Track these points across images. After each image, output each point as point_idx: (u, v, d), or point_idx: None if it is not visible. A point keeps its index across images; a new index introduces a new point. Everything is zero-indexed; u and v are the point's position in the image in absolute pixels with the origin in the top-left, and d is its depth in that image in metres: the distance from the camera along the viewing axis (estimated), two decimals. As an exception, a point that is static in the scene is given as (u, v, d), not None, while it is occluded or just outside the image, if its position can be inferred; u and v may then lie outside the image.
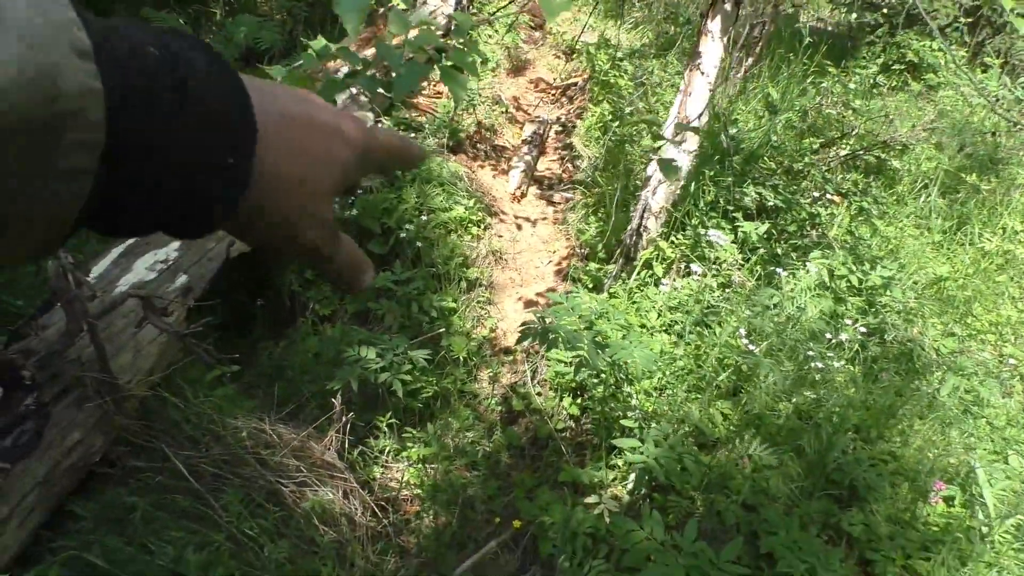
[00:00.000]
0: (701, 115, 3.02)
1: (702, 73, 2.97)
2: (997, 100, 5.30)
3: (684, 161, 3.13)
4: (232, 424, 2.53)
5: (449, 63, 1.20)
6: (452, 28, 1.29)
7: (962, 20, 6.14)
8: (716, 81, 3.03)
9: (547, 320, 2.38)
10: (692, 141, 3.12)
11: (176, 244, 2.78)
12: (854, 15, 6.43)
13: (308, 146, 0.45)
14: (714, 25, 2.93)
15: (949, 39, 6.09)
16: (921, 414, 3.01)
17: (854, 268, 3.18)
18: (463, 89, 1.22)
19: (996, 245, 4.16)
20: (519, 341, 2.40)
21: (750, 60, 4.72)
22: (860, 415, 2.87)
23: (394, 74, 1.17)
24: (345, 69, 1.49)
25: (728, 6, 2.85)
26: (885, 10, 6.27)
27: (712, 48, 2.95)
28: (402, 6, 4.13)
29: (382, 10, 4.90)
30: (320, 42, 1.53)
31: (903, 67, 6.01)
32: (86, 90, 0.32)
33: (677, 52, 5.47)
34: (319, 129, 0.46)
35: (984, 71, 6.00)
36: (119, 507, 2.28)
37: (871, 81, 5.48)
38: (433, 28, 1.19)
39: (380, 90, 1.28)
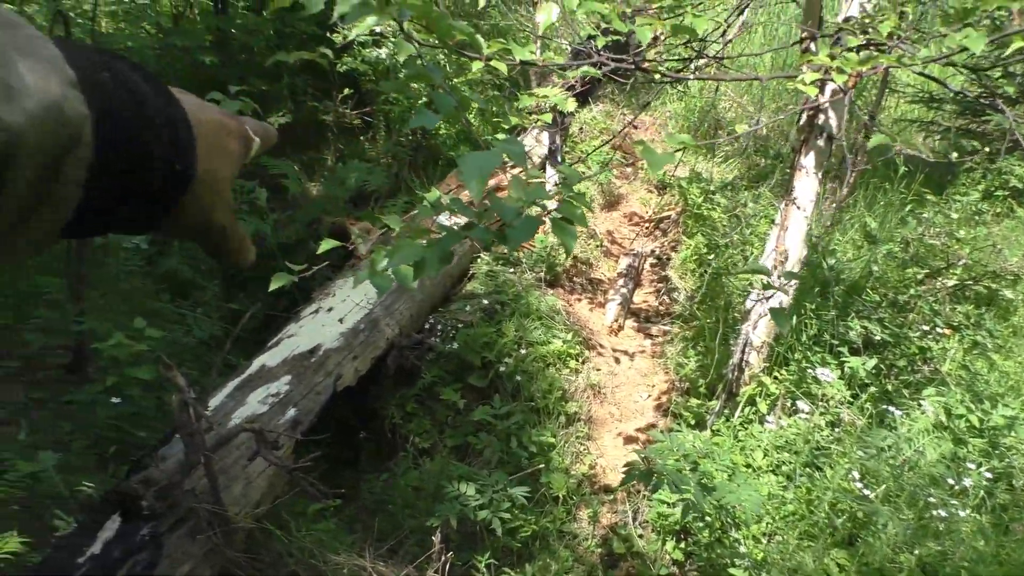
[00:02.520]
0: (799, 249, 3.01)
1: (798, 207, 2.98)
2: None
3: (784, 295, 3.10)
4: (334, 560, 2.54)
5: (559, 215, 1.26)
6: (559, 180, 1.37)
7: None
8: (812, 214, 3.03)
9: (651, 460, 2.33)
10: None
11: (287, 379, 2.90)
12: (950, 143, 6.37)
13: (220, 144, 0.54)
14: (808, 160, 2.96)
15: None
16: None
17: (973, 407, 3.01)
18: (573, 239, 1.27)
19: None
20: (623, 483, 2.35)
21: (844, 190, 4.71)
22: (992, 571, 2.64)
23: (506, 227, 1.23)
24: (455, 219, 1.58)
25: (821, 142, 2.89)
26: (983, 136, 6.19)
27: (807, 183, 2.97)
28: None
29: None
30: (434, 194, 1.63)
31: (1007, 193, 5.85)
32: (82, 116, 0.38)
33: (769, 184, 5.52)
34: (220, 129, 0.55)
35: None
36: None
37: (973, 208, 5.35)
38: (535, 178, 1.25)
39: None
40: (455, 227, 1.36)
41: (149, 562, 2.18)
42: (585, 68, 1.91)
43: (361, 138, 5.24)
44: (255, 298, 3.96)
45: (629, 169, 5.83)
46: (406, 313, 3.62)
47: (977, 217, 5.29)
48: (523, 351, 3.69)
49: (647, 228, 5.23)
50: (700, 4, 1.89)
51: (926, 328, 3.46)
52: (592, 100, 6.73)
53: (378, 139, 5.24)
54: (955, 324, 3.57)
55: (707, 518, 2.68)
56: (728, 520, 2.66)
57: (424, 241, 1.31)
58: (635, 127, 6.69)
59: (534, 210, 1.32)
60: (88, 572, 2.11)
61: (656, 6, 1.86)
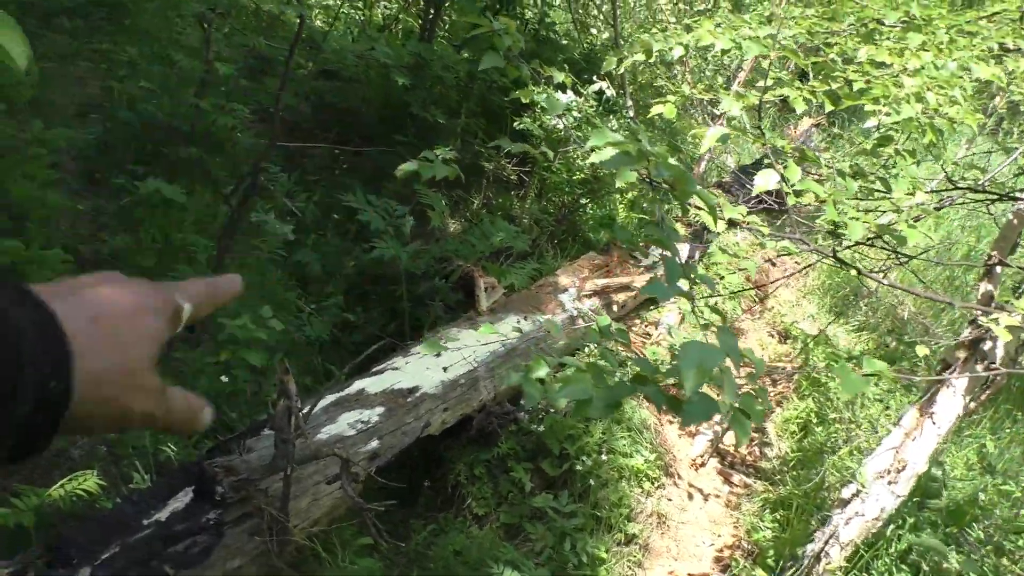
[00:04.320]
0: (921, 464, 2.87)
1: (934, 423, 2.85)
2: None
3: (889, 502, 2.96)
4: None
5: (738, 406, 1.24)
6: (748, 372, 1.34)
7: None
8: (947, 435, 2.89)
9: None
10: (904, 485, 2.95)
11: (381, 410, 2.94)
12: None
13: (119, 336, 0.50)
14: (959, 382, 2.84)
15: None
16: None
17: None
18: (746, 435, 1.25)
19: None
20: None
21: (972, 404, 4.48)
22: None
23: (685, 403, 1.22)
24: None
25: (980, 367, 2.76)
26: None
27: (951, 403, 2.84)
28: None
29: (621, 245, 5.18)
30: (605, 319, 1.64)
31: None
32: None
33: (895, 368, 5.30)
34: (127, 314, 0.51)
35: None
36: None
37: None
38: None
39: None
40: (625, 379, 1.36)
41: (207, 547, 2.23)
42: (785, 244, 1.90)
43: (512, 193, 5.36)
44: (370, 316, 4.06)
45: (757, 307, 5.73)
46: (505, 380, 3.64)
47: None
48: (603, 456, 3.64)
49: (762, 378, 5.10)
50: (912, 208, 1.85)
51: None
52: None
53: (527, 199, 5.34)
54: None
55: None
56: None
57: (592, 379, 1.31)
58: (773, 264, 6.60)
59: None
60: (149, 536, 2.17)
61: (871, 207, 1.84)
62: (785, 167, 1.78)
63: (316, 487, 2.61)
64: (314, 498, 2.60)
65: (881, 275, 2.15)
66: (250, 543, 2.34)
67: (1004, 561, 3.46)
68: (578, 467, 3.56)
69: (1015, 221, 2.83)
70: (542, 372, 1.56)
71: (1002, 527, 3.61)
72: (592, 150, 1.44)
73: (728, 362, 1.16)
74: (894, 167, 1.96)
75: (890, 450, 3.15)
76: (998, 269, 2.76)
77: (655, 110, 2.29)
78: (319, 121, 4.97)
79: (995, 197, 2.37)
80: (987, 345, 2.71)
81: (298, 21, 3.21)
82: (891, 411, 4.84)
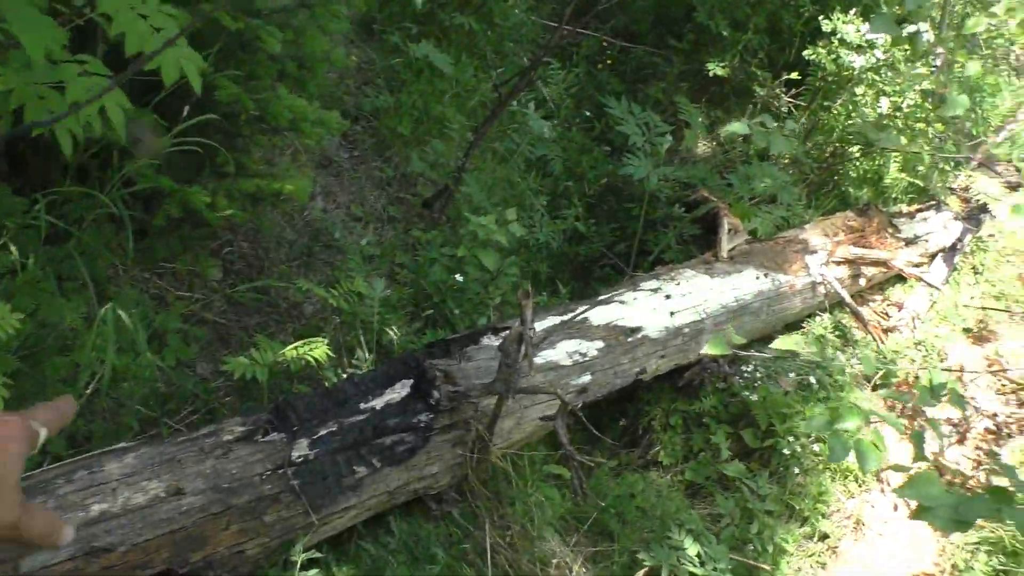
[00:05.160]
0: None
1: None
2: None
3: None
4: (540, 548, 2.47)
5: None
6: None
7: None
8: None
9: None
10: None
11: (600, 345, 2.80)
12: None
13: None
14: None
15: None
16: None
17: None
18: None
19: None
20: None
21: None
22: None
23: None
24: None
25: None
26: None
27: None
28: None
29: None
30: (936, 374, 1.35)
31: None
32: None
33: None
34: None
35: None
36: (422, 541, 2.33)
37: None
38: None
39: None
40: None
41: (411, 447, 2.23)
42: None
43: (784, 122, 4.84)
44: (601, 231, 3.87)
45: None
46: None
47: None
48: (814, 445, 3.34)
49: (1012, 385, 4.48)
50: None
51: None
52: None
53: (796, 126, 4.79)
54: None
55: None
56: None
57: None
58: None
59: None
60: (363, 422, 2.18)
61: None
62: None
63: (524, 410, 2.54)
64: (518, 421, 2.54)
65: None
66: (450, 453, 2.33)
67: None
68: (783, 448, 3.29)
69: None
70: (851, 424, 1.31)
71: None
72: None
73: None
74: None
75: None
76: None
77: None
78: (593, 6, 4.67)
79: None
80: None
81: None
82: None
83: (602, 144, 4.42)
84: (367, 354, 2.56)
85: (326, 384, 2.40)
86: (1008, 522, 1.04)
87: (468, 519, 2.46)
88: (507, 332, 2.28)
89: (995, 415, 4.34)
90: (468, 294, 2.88)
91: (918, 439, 1.24)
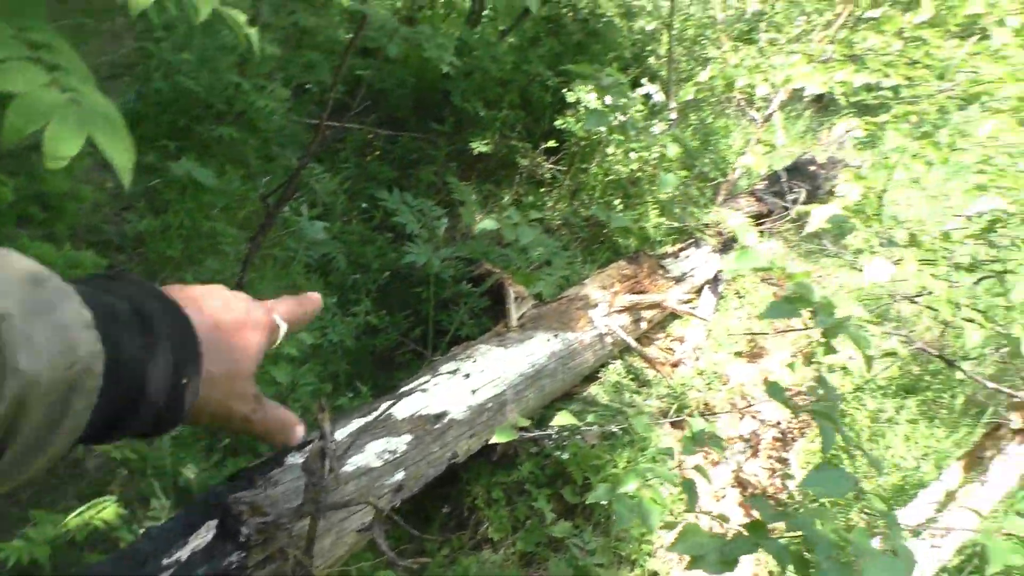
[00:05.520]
0: (968, 534, 2.75)
1: (983, 488, 2.73)
2: None
3: (930, 567, 2.85)
4: (387, 651, 2.41)
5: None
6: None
7: None
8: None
9: None
10: (947, 550, 2.84)
11: (408, 439, 2.80)
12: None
13: (232, 344, 0.58)
14: (1018, 451, 2.71)
15: None
16: None
17: None
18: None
19: None
20: None
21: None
22: None
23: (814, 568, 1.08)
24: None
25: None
26: None
27: (1006, 475, 2.72)
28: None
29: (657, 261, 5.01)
30: (696, 425, 1.49)
31: None
32: (94, 352, 0.44)
33: (917, 399, 5.20)
34: (238, 327, 0.59)
35: None
36: None
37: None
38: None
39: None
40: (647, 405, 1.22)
41: (227, 594, 2.10)
42: (894, 347, 1.74)
43: (543, 191, 5.16)
44: (394, 319, 3.90)
45: (782, 323, 5.58)
46: (533, 402, 3.51)
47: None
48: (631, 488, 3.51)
49: (790, 391, 4.97)
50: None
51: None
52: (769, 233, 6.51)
53: (559, 199, 5.15)
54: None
55: None
56: None
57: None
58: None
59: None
60: (168, 578, 2.04)
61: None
62: (898, 257, 1.62)
63: (341, 523, 2.48)
64: (337, 536, 2.47)
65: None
66: (271, 587, 2.21)
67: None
68: (604, 500, 3.43)
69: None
70: (632, 487, 1.41)
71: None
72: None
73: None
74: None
75: (929, 504, 3.04)
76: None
77: (742, 160, 2.11)
78: (354, 102, 4.77)
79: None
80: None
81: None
82: (914, 443, 4.73)
83: (384, 231, 4.48)
84: (164, 501, 2.40)
85: (121, 546, 2.21)
86: (768, 553, 1.16)
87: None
88: (310, 448, 2.23)
89: (778, 423, 4.80)
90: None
91: (689, 489, 1.37)
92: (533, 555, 3.37)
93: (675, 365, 4.65)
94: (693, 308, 4.84)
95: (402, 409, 2.92)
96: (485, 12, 5.23)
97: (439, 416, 2.99)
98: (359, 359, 3.63)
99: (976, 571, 3.38)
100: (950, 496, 2.97)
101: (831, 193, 7.35)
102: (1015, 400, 2.95)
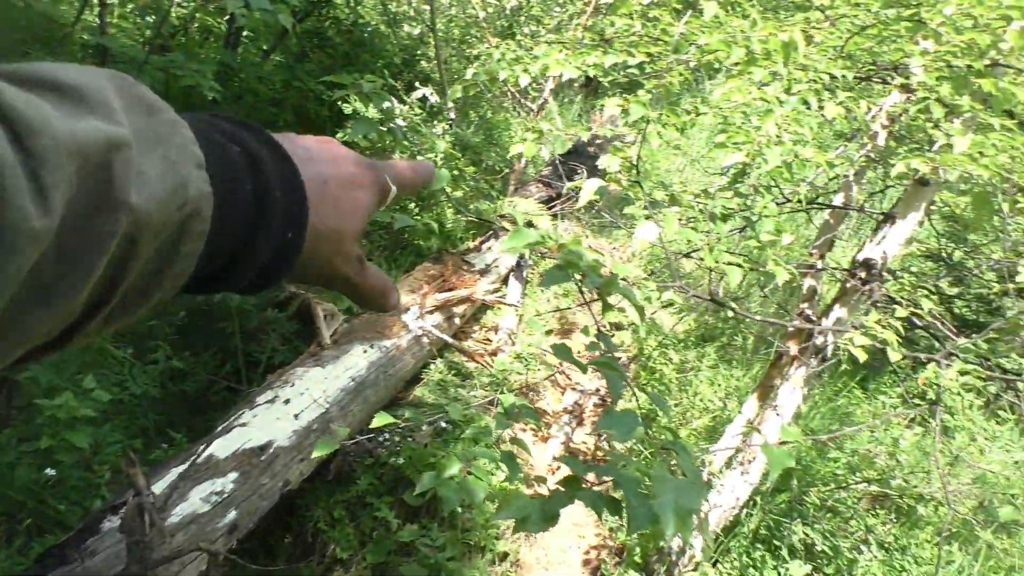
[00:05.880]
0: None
1: (778, 415, 3.06)
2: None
3: (743, 491, 3.15)
4: None
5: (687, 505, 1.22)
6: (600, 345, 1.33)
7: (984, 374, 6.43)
8: (790, 422, 3.11)
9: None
10: (756, 474, 3.15)
11: (234, 476, 2.71)
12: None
13: (340, 201, 0.54)
14: (797, 374, 3.05)
15: (972, 390, 6.35)
16: None
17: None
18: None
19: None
20: None
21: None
22: None
23: (628, 506, 1.19)
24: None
25: (815, 362, 2.99)
26: (910, 344, 6.58)
27: (792, 396, 3.05)
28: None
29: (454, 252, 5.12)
30: (508, 398, 1.57)
31: (921, 403, 6.21)
32: (204, 194, 0.41)
33: (715, 345, 5.69)
34: (348, 184, 0.56)
35: (1000, 423, 6.21)
36: None
37: (893, 409, 5.65)
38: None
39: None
40: (560, 489, 1.31)
41: None
42: (671, 295, 1.92)
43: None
44: (201, 359, 3.72)
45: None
46: (359, 415, 3.49)
47: (894, 420, 5.58)
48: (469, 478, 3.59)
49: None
50: (776, 244, 1.95)
51: (861, 548, 3.57)
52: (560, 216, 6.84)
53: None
54: (885, 544, 3.70)
55: None
56: None
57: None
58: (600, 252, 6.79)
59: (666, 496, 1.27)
60: None
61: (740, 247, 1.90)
62: (663, 217, 1.79)
63: (174, 578, 2.35)
64: (174, 591, 2.34)
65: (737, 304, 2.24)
66: (107, 662, 2.07)
67: (838, 520, 3.82)
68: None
69: (831, 221, 3.07)
70: (454, 470, 1.47)
71: (821, 477, 3.99)
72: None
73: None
74: (759, 198, 2.05)
75: (735, 436, 3.36)
76: (819, 266, 2.99)
77: (514, 150, 2.24)
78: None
79: (821, 206, 2.54)
80: (819, 340, 2.93)
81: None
82: (718, 386, 5.18)
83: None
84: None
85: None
86: (583, 503, 1.26)
87: None
88: (124, 508, 2.11)
89: (598, 390, 5.07)
90: (69, 483, 2.58)
91: (508, 461, 1.45)
92: (385, 565, 3.35)
93: (493, 354, 4.79)
94: (502, 296, 5.01)
95: (223, 447, 2.81)
96: (244, 33, 5.09)
97: (263, 447, 2.91)
98: (169, 407, 3.44)
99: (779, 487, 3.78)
100: (751, 425, 3.29)
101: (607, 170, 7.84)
102: (789, 331, 3.32)
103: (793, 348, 3.11)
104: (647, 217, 1.84)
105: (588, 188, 1.91)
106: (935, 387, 5.96)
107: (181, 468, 2.65)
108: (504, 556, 3.51)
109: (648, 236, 1.73)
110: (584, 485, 1.32)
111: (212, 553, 2.13)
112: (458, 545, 3.38)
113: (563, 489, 1.26)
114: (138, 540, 2.03)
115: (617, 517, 3.91)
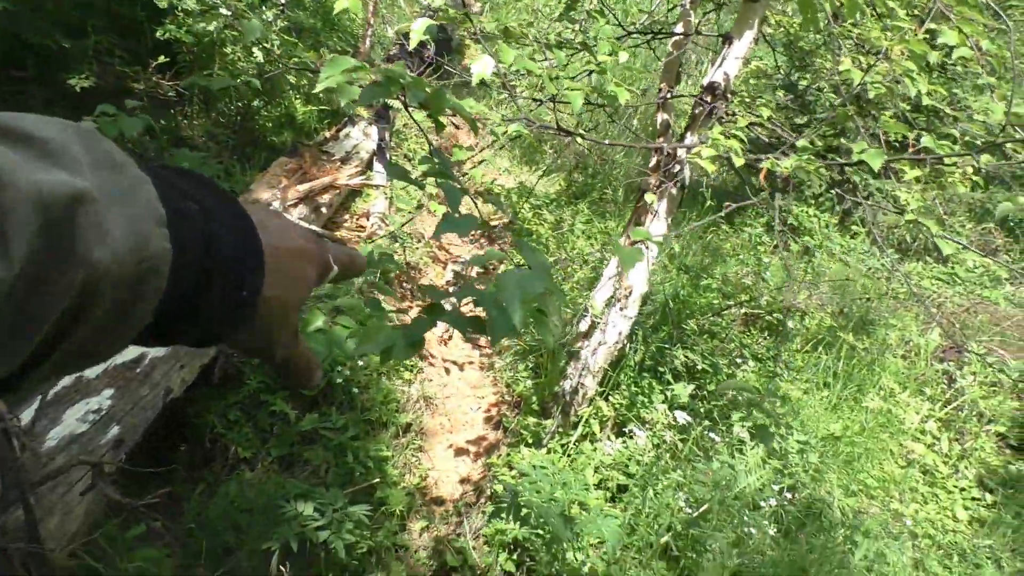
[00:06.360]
0: (643, 285, 3.20)
1: (647, 248, 3.17)
2: (877, 268, 5.90)
3: (624, 326, 3.29)
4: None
5: (537, 308, 1.25)
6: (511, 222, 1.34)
7: (833, 191, 6.87)
8: (658, 255, 3.23)
9: (518, 495, 2.38)
10: (633, 307, 3.29)
11: (110, 392, 2.61)
12: (742, 178, 7.04)
13: (289, 272, 0.54)
14: (660, 206, 3.15)
15: (822, 206, 6.78)
16: (835, 574, 3.18)
17: (774, 430, 3.39)
18: (551, 335, 1.27)
19: (878, 405, 4.55)
20: (491, 516, 2.38)
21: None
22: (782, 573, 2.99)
23: (486, 316, 1.20)
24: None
25: (675, 190, 3.09)
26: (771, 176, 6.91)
27: (657, 226, 3.16)
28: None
29: (311, 143, 4.94)
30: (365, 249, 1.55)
31: (782, 228, 6.61)
32: (163, 251, 0.41)
33: (587, 201, 5.81)
34: (298, 256, 0.56)
35: (852, 237, 6.70)
36: None
37: (758, 239, 5.99)
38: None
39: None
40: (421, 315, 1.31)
41: (-48, 616, 1.88)
42: (517, 126, 1.90)
43: (173, 111, 4.79)
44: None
45: (456, 173, 5.83)
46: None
47: (759, 248, 5.93)
48: (359, 361, 3.60)
49: (474, 235, 5.28)
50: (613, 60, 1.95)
51: (737, 360, 3.83)
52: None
53: (193, 115, 4.82)
54: (758, 356, 3.98)
55: (546, 535, 2.79)
56: (567, 538, 2.78)
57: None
58: (457, 127, 6.72)
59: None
60: None
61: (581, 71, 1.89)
62: (498, 50, 1.76)
63: (63, 499, 2.29)
64: (65, 512, 2.28)
65: (590, 133, 2.26)
66: (6, 590, 2.01)
67: (716, 342, 4.07)
68: (337, 379, 3.49)
69: (674, 52, 3.11)
70: (319, 323, 1.46)
71: (700, 309, 4.22)
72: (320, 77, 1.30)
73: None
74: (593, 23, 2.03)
75: (612, 279, 3.47)
76: (666, 112, 3.05)
77: (339, 5, 2.12)
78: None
79: (660, 34, 2.56)
80: (678, 168, 3.02)
81: None
82: (594, 239, 5.32)
83: None
84: None
85: None
86: (453, 324, 1.27)
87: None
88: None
89: (477, 259, 5.10)
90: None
91: (375, 305, 1.44)
92: (290, 456, 3.37)
93: (369, 238, 4.73)
94: (367, 179, 4.89)
95: (94, 368, 2.69)
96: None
97: (136, 361, 2.81)
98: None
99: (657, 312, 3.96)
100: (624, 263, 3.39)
101: (463, 40, 7.65)
102: (649, 167, 3.40)
103: (653, 180, 3.20)
104: (482, 51, 1.81)
105: (416, 28, 1.85)
106: (785, 212, 6.32)
107: (48, 396, 2.53)
108: (407, 427, 3.58)
109: (484, 69, 1.69)
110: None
111: (94, 464, 2.06)
112: (360, 424, 3.41)
113: (425, 316, 1.26)
114: (10, 465, 1.95)
115: (495, 350, 4.04)
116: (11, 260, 0.32)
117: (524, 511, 2.30)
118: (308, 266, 0.57)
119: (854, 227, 6.89)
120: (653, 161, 3.18)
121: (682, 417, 3.26)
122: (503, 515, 2.57)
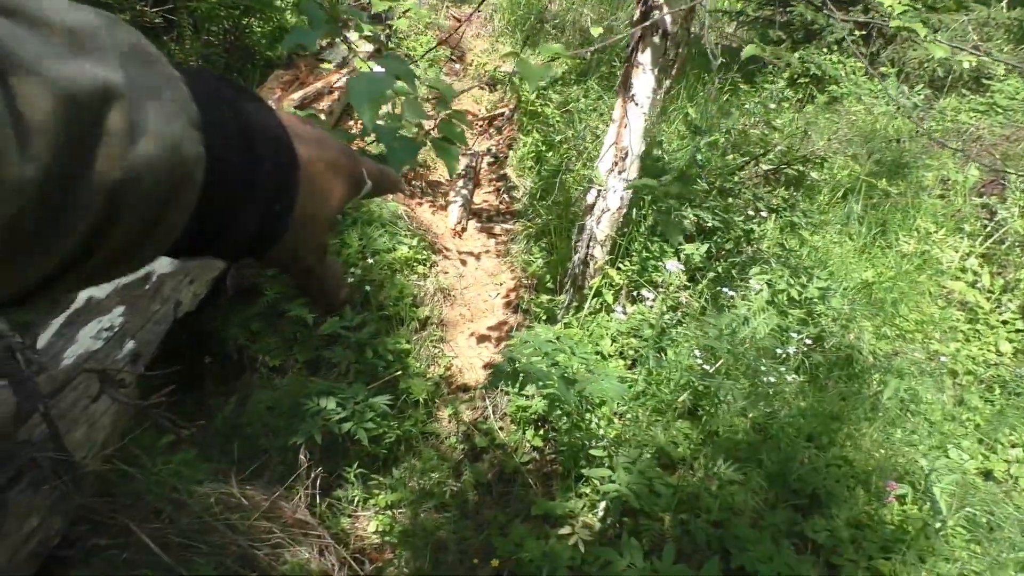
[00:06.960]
0: (638, 145, 3.11)
1: (636, 104, 3.06)
2: (900, 108, 5.62)
3: (621, 186, 3.22)
4: (197, 490, 2.45)
5: (439, 136, 1.21)
6: (436, 99, 1.30)
7: (856, 33, 6.50)
8: (651, 110, 3.12)
9: (515, 362, 2.40)
10: (631, 170, 3.21)
11: (121, 310, 2.69)
12: (757, 33, 6.71)
13: (322, 186, 0.51)
14: (644, 57, 3.02)
15: (847, 52, 6.43)
16: (866, 417, 3.16)
17: (792, 281, 3.32)
18: (455, 159, 1.24)
19: (913, 247, 4.41)
20: (490, 385, 2.41)
21: (668, 82, 4.89)
22: (811, 424, 2.98)
23: (386, 149, 1.18)
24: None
25: (657, 39, 2.95)
26: (787, 27, 6.57)
27: (644, 80, 3.04)
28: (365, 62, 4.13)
29: (307, 54, 4.86)
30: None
31: (807, 80, 6.31)
32: (197, 156, 0.38)
33: (595, 77, 5.62)
34: (331, 170, 0.52)
35: (882, 80, 6.37)
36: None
37: (781, 95, 5.74)
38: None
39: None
40: None
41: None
42: None
43: (165, 38, 4.75)
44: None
45: (458, 66, 5.71)
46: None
47: (784, 103, 5.69)
48: (370, 260, 3.62)
49: (481, 126, 5.19)
50: None
51: (750, 213, 3.73)
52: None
53: (185, 39, 4.78)
54: (775, 207, 3.86)
55: (565, 406, 2.82)
56: (585, 407, 2.81)
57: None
58: (458, 20, 6.53)
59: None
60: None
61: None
62: None
63: (87, 412, 2.39)
64: (90, 424, 2.39)
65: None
66: (39, 496, 2.14)
67: (730, 200, 3.96)
68: (350, 280, 3.53)
69: None
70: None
71: (720, 173, 4.10)
72: None
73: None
74: None
75: (611, 146, 3.38)
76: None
77: None
78: None
79: None
80: (656, 15, 2.87)
81: None
82: (605, 115, 5.17)
83: None
84: None
85: None
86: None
87: (122, 533, 2.33)
88: (-5, 355, 2.09)
89: (489, 150, 5.03)
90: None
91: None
92: (317, 359, 3.45)
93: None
94: (365, 83, 4.82)
95: (102, 289, 2.77)
96: None
97: (144, 279, 2.87)
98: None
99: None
100: (620, 125, 3.29)
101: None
102: (634, 20, 3.25)
103: (636, 32, 3.06)
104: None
105: None
106: (808, 63, 6.02)
107: (62, 317, 2.62)
108: (426, 321, 3.62)
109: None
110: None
111: (98, 371, 2.15)
112: (377, 322, 3.47)
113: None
114: (21, 379, 2.03)
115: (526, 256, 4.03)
116: (35, 160, 0.30)
117: (521, 377, 2.32)
118: (341, 180, 0.53)
119: (883, 69, 6.53)
120: (637, 13, 3.03)
121: (672, 266, 3.20)
122: (501, 384, 2.60)
